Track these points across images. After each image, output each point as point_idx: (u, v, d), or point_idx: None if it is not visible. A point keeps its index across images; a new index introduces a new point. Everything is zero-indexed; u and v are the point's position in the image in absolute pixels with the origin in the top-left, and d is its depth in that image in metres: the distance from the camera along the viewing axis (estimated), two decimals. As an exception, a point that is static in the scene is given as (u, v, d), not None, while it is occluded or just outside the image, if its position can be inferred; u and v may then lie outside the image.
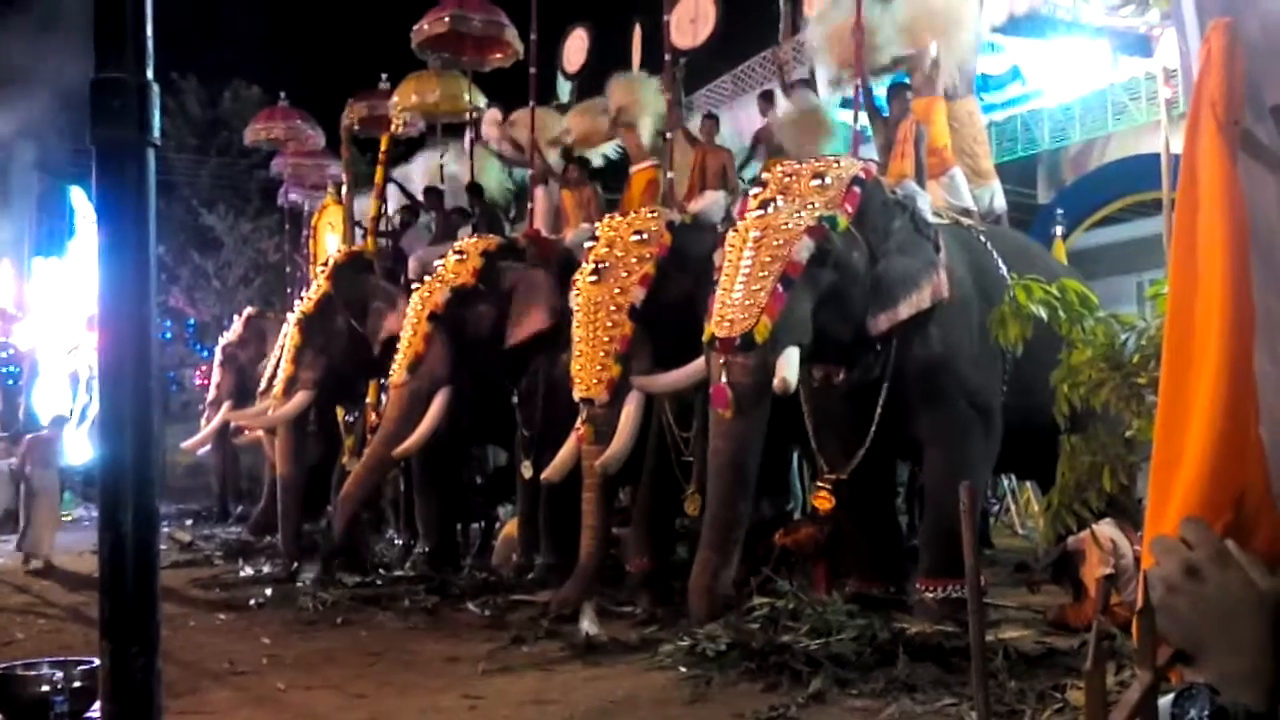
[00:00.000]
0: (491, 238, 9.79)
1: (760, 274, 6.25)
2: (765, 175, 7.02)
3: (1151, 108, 11.65)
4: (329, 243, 13.96)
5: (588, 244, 7.87)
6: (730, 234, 6.64)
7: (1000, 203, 8.43)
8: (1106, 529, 6.19)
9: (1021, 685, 5.14)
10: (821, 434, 7.07)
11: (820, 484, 7.04)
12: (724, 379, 6.24)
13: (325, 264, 11.09)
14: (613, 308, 7.36)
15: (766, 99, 9.60)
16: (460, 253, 9.19)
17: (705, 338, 6.40)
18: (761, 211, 6.55)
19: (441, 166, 13.16)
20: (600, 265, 7.50)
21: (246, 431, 13.06)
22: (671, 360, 7.34)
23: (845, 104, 12.77)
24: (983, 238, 7.34)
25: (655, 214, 7.84)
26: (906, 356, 6.68)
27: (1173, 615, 1.12)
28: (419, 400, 8.78)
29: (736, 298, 6.28)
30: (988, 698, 3.86)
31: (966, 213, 7.82)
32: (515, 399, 9.11)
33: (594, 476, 7.39)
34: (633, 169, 10.08)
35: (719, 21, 9.57)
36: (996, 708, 4.61)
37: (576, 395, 7.42)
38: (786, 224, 6.37)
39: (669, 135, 9.32)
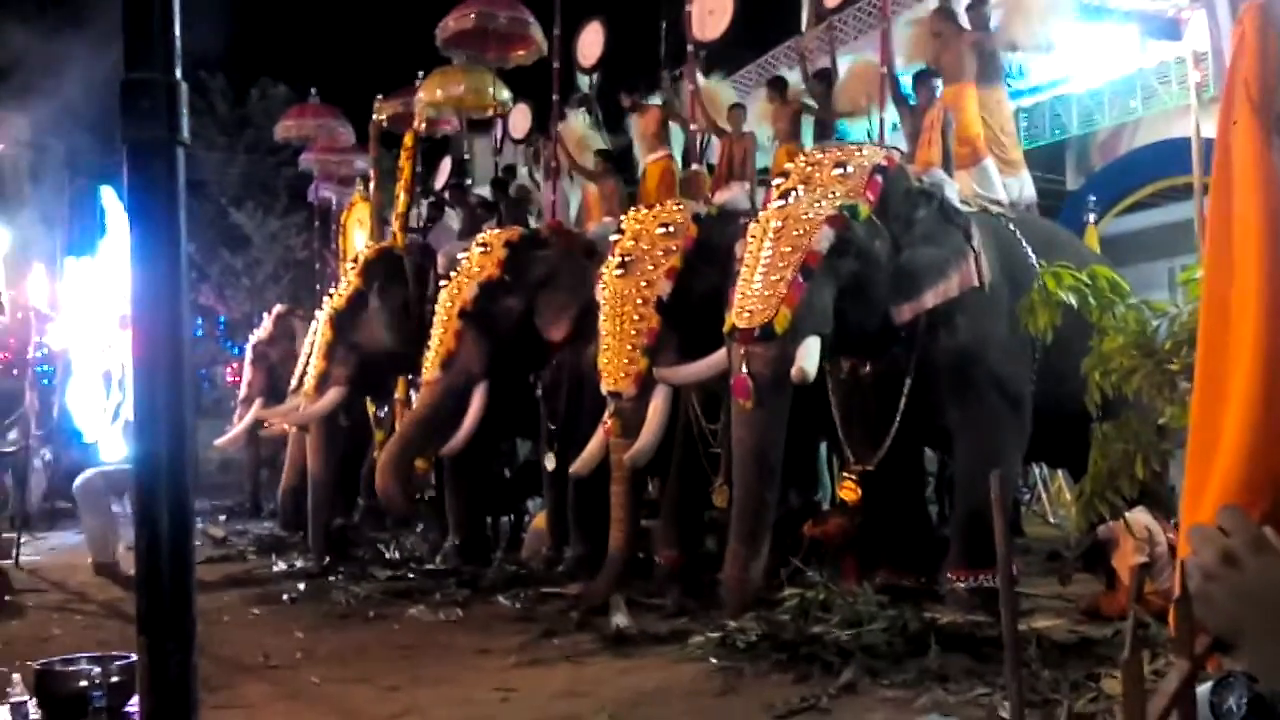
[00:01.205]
0: (515, 229, 9.80)
1: (780, 264, 6.24)
2: (788, 165, 6.99)
3: (1181, 91, 11.54)
4: (357, 239, 14.03)
5: (613, 237, 7.87)
6: (752, 225, 6.64)
7: (1030, 192, 8.37)
8: (1140, 517, 6.14)
9: (1055, 674, 5.10)
10: (848, 424, 7.05)
11: (847, 475, 7.02)
12: (744, 369, 6.24)
13: (355, 260, 11.14)
14: (639, 301, 7.36)
15: (774, 86, 9.56)
16: (484, 245, 9.18)
17: (726, 328, 6.41)
18: (782, 202, 6.54)
19: (466, 161, 13.21)
20: (626, 258, 7.49)
21: (267, 424, 13.13)
22: (699, 353, 7.34)
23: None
24: (1011, 226, 7.29)
25: (681, 206, 7.83)
26: (934, 346, 6.65)
27: (1210, 603, 1.12)
28: (453, 395, 8.79)
29: (756, 288, 6.27)
30: (1021, 687, 3.84)
31: (996, 203, 7.77)
32: (540, 391, 9.13)
33: (622, 469, 7.40)
34: (646, 159, 10.04)
35: (736, 12, 9.54)
36: (1030, 697, 4.58)
37: (604, 389, 7.43)
38: (807, 214, 6.36)
39: (693, 126, 9.31)
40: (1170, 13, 10.02)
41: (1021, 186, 8.26)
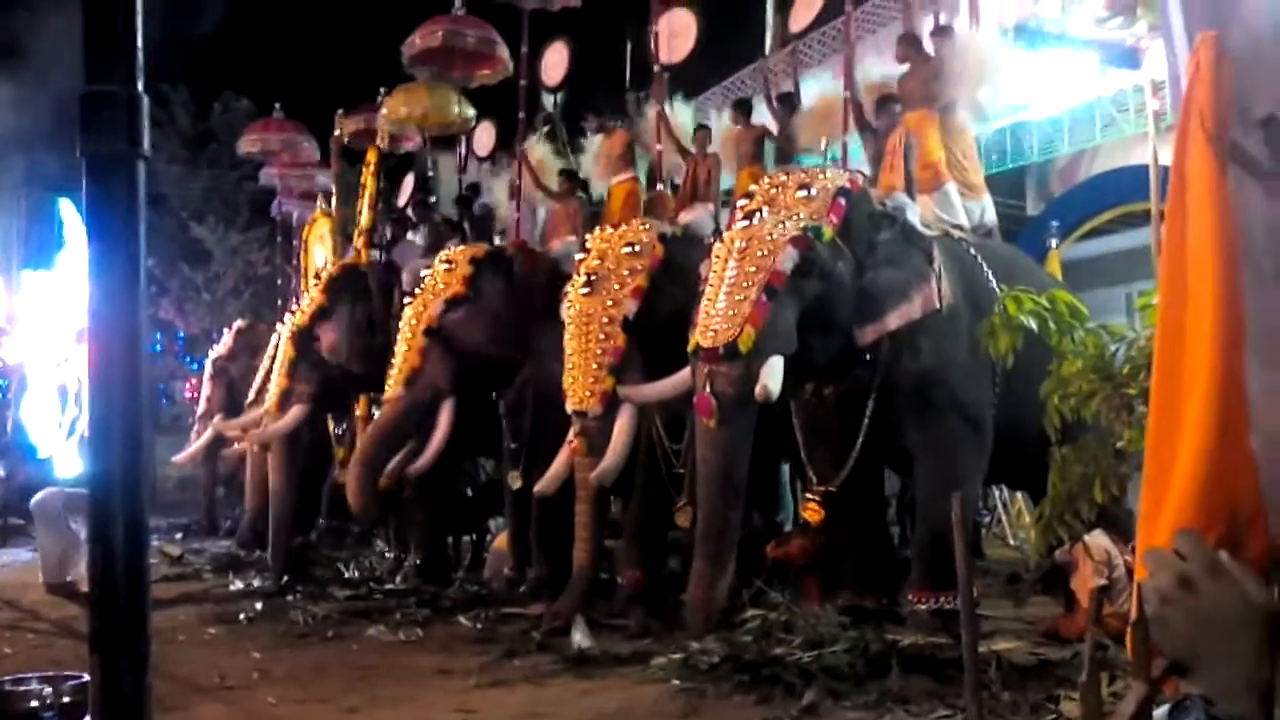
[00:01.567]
0: (479, 246, 9.81)
1: (744, 284, 6.28)
2: (752, 186, 7.04)
3: (1140, 120, 11.73)
4: (318, 256, 13.96)
5: (578, 256, 7.87)
6: (716, 245, 6.67)
7: (991, 216, 8.46)
8: (1099, 540, 6.19)
9: (1015, 696, 5.14)
10: (811, 445, 7.08)
11: (810, 495, 7.04)
12: (708, 389, 6.25)
13: (317, 276, 11.08)
14: (605, 319, 7.36)
15: (739, 108, 9.61)
16: (449, 262, 9.18)
17: (690, 348, 6.42)
18: (747, 223, 6.57)
19: (430, 178, 13.17)
20: (593, 277, 7.50)
21: (229, 442, 13.00)
22: (664, 372, 7.35)
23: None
24: (972, 250, 7.37)
25: (648, 226, 7.85)
26: (896, 368, 6.70)
27: (1167, 627, 1.13)
28: (416, 411, 8.77)
29: (720, 308, 6.30)
30: (981, 709, 3.85)
31: (958, 227, 7.84)
32: (502, 410, 9.11)
33: (587, 489, 7.38)
34: (612, 181, 10.08)
35: (700, 35, 9.61)
36: (990, 719, 4.60)
37: (569, 407, 7.41)
38: (771, 234, 6.40)
39: (659, 145, 9.34)
40: (1129, 41, 10.20)
41: (983, 210, 8.36)
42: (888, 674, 5.55)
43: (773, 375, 6.16)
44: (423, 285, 9.19)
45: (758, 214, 6.58)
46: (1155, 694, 1.16)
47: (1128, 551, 6.17)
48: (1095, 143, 13.93)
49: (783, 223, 6.45)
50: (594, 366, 7.31)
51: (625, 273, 7.46)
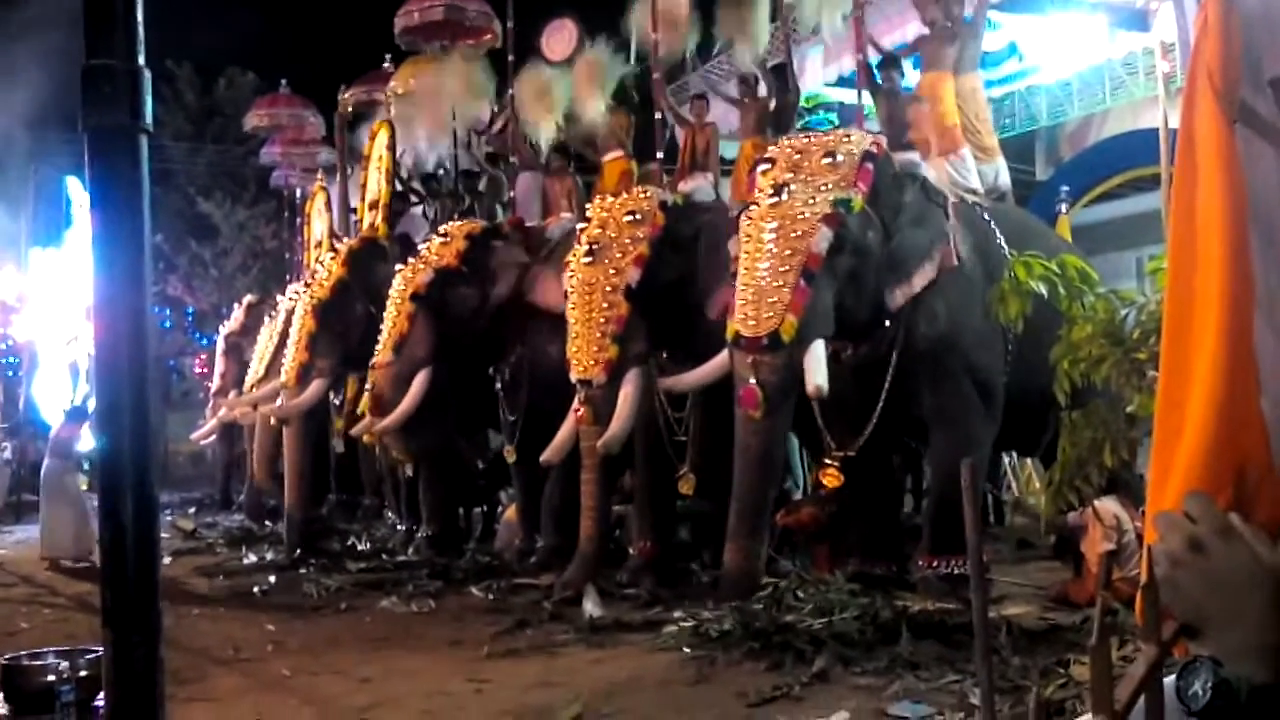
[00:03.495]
0: (476, 221, 9.83)
1: (781, 268, 6.19)
2: (773, 150, 6.92)
3: (1149, 83, 11.62)
4: (317, 228, 13.99)
5: (580, 225, 7.86)
6: (744, 222, 6.50)
7: (1005, 180, 8.39)
8: (1108, 504, 6.19)
9: (1025, 661, 5.15)
10: (830, 411, 7.01)
11: (829, 461, 7.01)
12: (752, 379, 6.21)
13: (334, 250, 11.03)
14: (608, 288, 7.34)
15: (744, 81, 9.54)
16: (445, 235, 9.29)
17: (729, 335, 6.34)
18: (775, 198, 6.43)
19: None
20: (594, 246, 7.47)
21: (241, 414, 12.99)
22: (666, 340, 7.35)
23: (841, 82, 12.76)
24: (985, 215, 7.32)
25: (648, 194, 7.81)
26: (913, 332, 6.65)
27: (1177, 589, 1.12)
28: (402, 382, 8.84)
29: (759, 294, 6.21)
30: (991, 674, 3.86)
31: (972, 191, 7.78)
32: (499, 384, 9.16)
33: (593, 458, 7.39)
34: (605, 158, 10.05)
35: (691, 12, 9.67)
36: (1000, 683, 4.61)
37: (573, 376, 7.40)
38: (802, 213, 6.30)
39: (659, 116, 9.29)
40: (1139, 4, 10.07)
41: (996, 173, 8.28)
42: (898, 640, 5.56)
43: (818, 367, 6.12)
44: (418, 255, 9.27)
45: (785, 189, 6.44)
46: (1165, 657, 1.16)
47: (1138, 516, 6.16)
48: (1105, 106, 13.80)
49: (813, 197, 6.33)
50: (598, 335, 7.29)
51: (627, 241, 7.43)
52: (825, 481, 6.98)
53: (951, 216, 6.57)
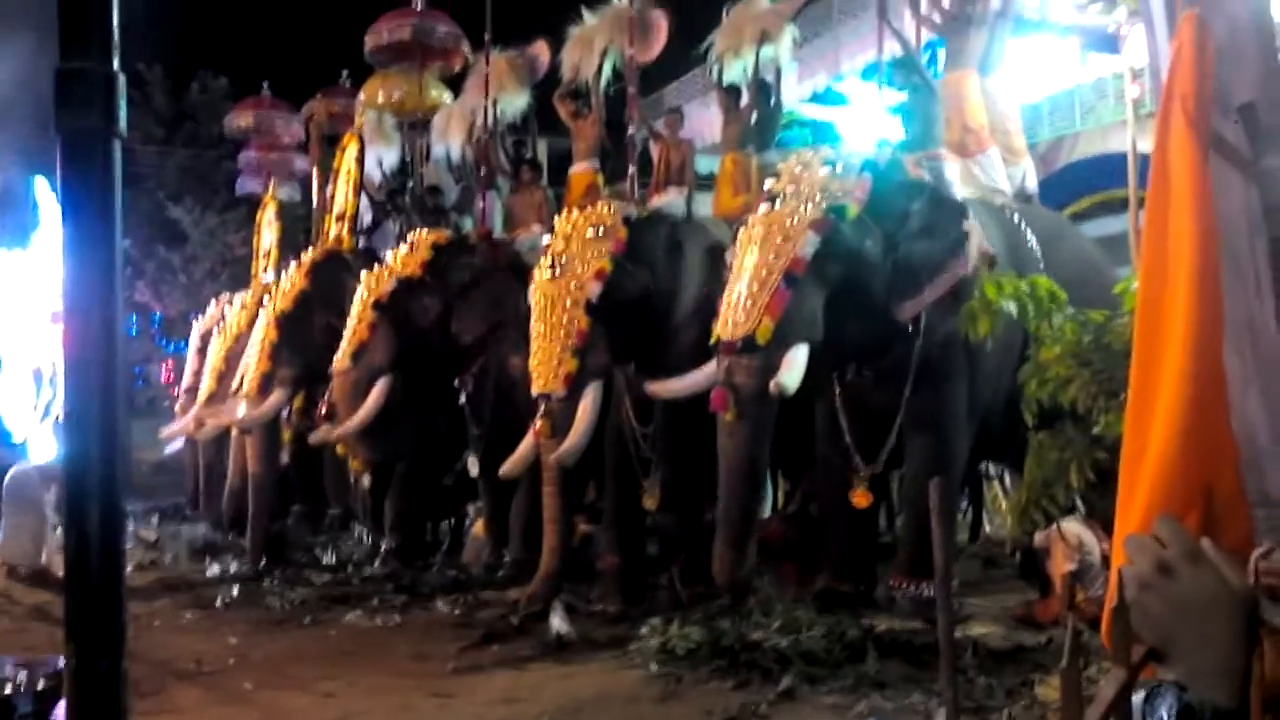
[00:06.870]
0: (442, 232, 9.82)
1: (764, 273, 6.15)
2: (780, 165, 6.86)
3: (1118, 106, 11.76)
4: (265, 238, 13.93)
5: (545, 239, 7.85)
6: (740, 232, 6.51)
7: (1032, 182, 8.27)
8: (1072, 525, 6.22)
9: (990, 681, 5.17)
10: (857, 427, 6.88)
11: (860, 479, 6.83)
12: (723, 381, 6.19)
13: (297, 261, 10.95)
14: (569, 303, 7.31)
15: (728, 93, 9.58)
16: (411, 244, 9.30)
17: (712, 340, 6.34)
18: (769, 207, 6.43)
19: (407, 163, 13.11)
20: (558, 260, 7.46)
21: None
22: (628, 355, 7.35)
23: (815, 99, 12.84)
24: (1015, 216, 7.31)
25: (612, 209, 7.79)
26: (932, 342, 6.55)
27: (1145, 612, 1.13)
28: (361, 389, 8.82)
29: (741, 298, 6.20)
30: (957, 694, 3.88)
31: (999, 192, 7.74)
32: (464, 397, 9.13)
33: (553, 471, 7.36)
34: (572, 170, 10.05)
35: (671, 29, 9.70)
36: (965, 703, 4.63)
37: (534, 390, 7.37)
38: (791, 219, 6.27)
39: (631, 131, 9.30)
40: (1110, 27, 10.18)
41: (1024, 175, 8.19)
42: (864, 659, 5.58)
43: (792, 368, 6.04)
44: (383, 264, 9.27)
45: (780, 197, 6.42)
46: (1135, 680, 1.16)
47: (1104, 537, 6.20)
48: (1075, 129, 13.96)
49: (804, 205, 6.30)
50: (558, 349, 7.27)
51: (589, 256, 7.41)
52: (856, 501, 6.86)
53: (971, 221, 6.46)
